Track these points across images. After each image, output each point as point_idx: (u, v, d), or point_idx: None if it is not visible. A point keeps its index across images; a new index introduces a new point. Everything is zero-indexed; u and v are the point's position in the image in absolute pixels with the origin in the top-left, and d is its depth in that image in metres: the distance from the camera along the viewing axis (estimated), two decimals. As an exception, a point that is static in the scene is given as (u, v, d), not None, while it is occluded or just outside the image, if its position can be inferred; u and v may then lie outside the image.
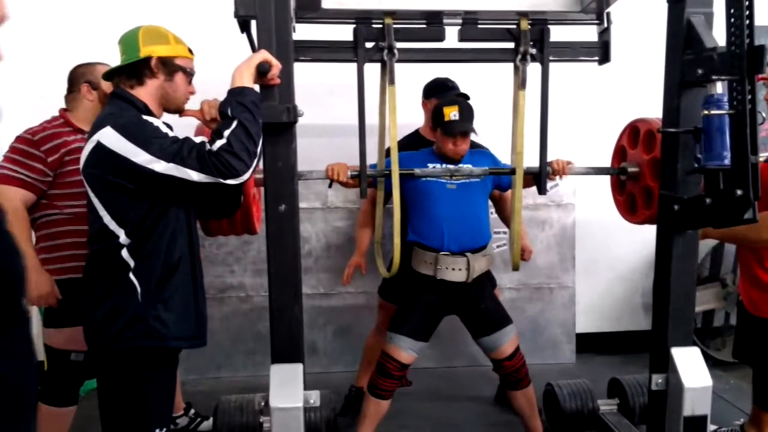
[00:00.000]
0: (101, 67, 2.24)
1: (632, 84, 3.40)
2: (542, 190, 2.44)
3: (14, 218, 2.07)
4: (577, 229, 3.74)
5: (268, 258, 2.06)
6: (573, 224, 3.74)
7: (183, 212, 1.77)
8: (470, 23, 2.33)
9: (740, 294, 2.29)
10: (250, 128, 1.67)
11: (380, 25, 2.25)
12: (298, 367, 2.06)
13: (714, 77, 1.89)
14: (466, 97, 2.75)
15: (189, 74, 1.84)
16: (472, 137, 2.58)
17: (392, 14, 2.24)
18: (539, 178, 2.41)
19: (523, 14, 2.29)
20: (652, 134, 2.30)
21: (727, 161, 1.85)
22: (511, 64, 2.36)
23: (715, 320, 3.71)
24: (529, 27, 2.30)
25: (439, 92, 2.84)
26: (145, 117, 1.70)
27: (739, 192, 1.78)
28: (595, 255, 3.83)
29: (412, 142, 2.83)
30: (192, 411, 2.98)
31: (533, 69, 2.34)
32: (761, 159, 1.84)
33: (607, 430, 2.62)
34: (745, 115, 1.75)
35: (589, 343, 3.87)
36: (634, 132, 2.46)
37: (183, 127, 1.88)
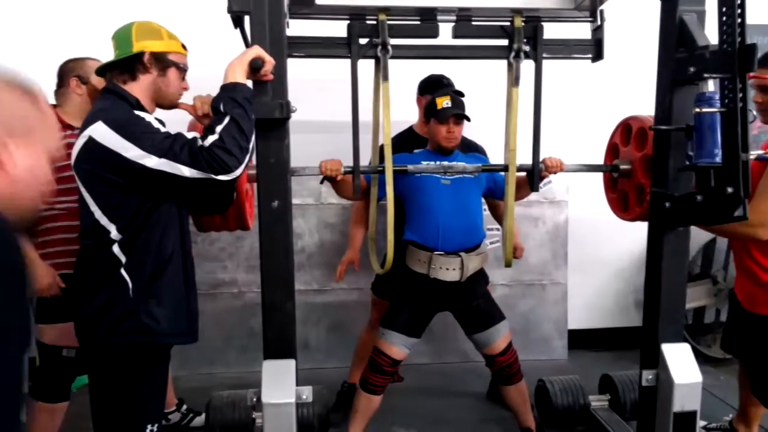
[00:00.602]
0: (91, 62, 2.22)
1: (625, 81, 3.40)
2: (535, 187, 2.45)
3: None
4: (570, 226, 3.75)
5: (260, 254, 2.06)
6: (566, 221, 3.75)
7: (175, 208, 1.77)
8: (464, 20, 2.32)
9: (735, 289, 2.31)
10: (242, 124, 1.66)
11: (374, 22, 2.25)
12: (290, 363, 2.06)
13: (706, 75, 1.91)
14: (460, 94, 2.75)
15: (182, 70, 1.83)
16: (468, 136, 2.58)
17: (386, 10, 2.23)
18: (532, 175, 2.41)
19: (516, 11, 2.29)
20: (645, 132, 2.31)
21: (718, 159, 1.87)
22: (505, 62, 2.36)
23: (705, 317, 3.73)
24: (523, 24, 2.31)
25: (435, 89, 2.84)
26: (137, 112, 1.70)
27: (729, 189, 1.79)
28: (587, 252, 3.84)
29: (405, 139, 2.83)
30: (184, 407, 2.97)
31: (527, 66, 2.34)
32: (752, 157, 1.85)
33: (598, 425, 2.64)
34: (736, 112, 1.76)
35: (581, 340, 3.88)
36: (626, 129, 2.47)
37: (175, 123, 1.87)
